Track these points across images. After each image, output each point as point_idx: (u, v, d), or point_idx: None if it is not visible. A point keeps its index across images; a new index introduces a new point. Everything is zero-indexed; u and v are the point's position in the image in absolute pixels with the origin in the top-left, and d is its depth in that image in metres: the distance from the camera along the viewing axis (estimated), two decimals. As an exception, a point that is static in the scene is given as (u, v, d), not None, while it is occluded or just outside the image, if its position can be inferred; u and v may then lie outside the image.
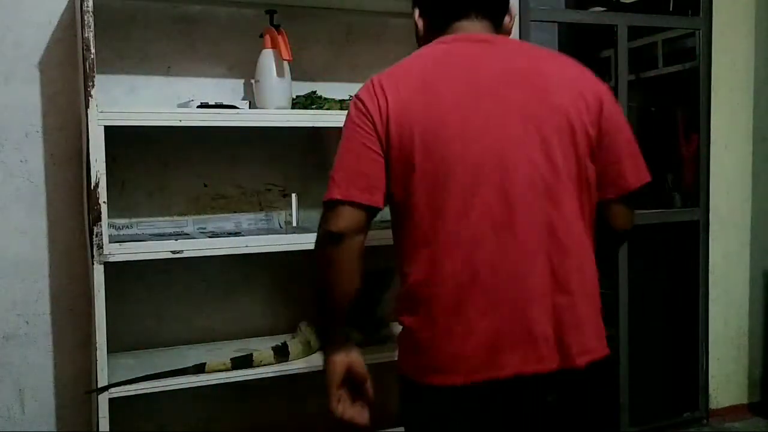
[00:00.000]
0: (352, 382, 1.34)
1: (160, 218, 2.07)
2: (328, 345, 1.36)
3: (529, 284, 1.20)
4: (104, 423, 1.72)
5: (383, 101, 1.25)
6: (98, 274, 1.70)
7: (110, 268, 1.72)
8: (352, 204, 1.24)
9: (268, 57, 1.99)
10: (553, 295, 1.21)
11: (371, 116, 1.25)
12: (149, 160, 2.06)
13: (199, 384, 1.84)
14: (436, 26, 1.38)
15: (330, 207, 1.27)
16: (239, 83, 2.16)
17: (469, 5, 1.34)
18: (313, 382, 2.18)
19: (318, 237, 1.30)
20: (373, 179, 1.25)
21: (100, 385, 1.71)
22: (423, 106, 1.24)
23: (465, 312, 1.20)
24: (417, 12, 1.43)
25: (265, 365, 1.91)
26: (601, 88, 1.31)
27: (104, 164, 1.69)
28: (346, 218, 1.25)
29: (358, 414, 1.33)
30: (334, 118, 1.99)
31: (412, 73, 1.31)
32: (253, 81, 2.02)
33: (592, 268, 1.27)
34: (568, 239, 1.23)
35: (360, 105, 1.28)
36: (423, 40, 1.42)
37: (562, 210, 1.22)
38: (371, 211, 1.26)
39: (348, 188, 1.25)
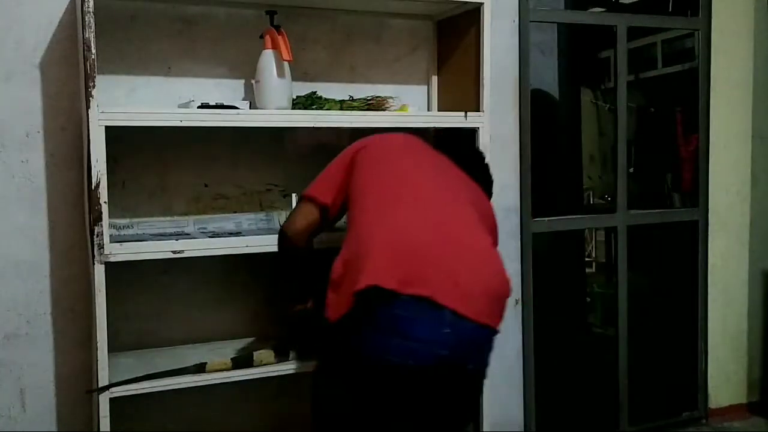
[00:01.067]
0: None
1: (161, 218, 2.07)
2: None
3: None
4: (105, 422, 1.72)
5: (365, 143, 1.75)
6: (99, 273, 1.71)
7: (111, 267, 1.73)
8: (311, 200, 1.72)
9: (268, 57, 1.99)
10: None
11: (353, 150, 1.74)
12: (150, 160, 2.07)
13: (200, 384, 1.85)
14: None
15: (298, 201, 1.77)
16: (240, 84, 2.16)
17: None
18: (311, 383, 2.20)
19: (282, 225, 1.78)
20: (331, 187, 1.71)
21: (100, 385, 1.72)
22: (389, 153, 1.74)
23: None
24: None
25: (265, 365, 1.92)
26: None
27: (105, 164, 1.70)
28: (303, 214, 1.73)
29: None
30: (334, 119, 2.00)
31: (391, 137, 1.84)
32: (253, 81, 2.03)
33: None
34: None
35: (352, 145, 1.76)
36: None
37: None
38: (323, 209, 1.71)
39: (312, 190, 1.74)
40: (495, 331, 1.53)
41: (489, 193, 1.91)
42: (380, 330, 1.44)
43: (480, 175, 1.87)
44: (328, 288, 1.55)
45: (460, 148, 1.92)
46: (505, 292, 1.56)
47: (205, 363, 1.85)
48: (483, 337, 1.50)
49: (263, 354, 1.93)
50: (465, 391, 1.54)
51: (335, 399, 1.54)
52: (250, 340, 2.16)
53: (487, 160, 1.99)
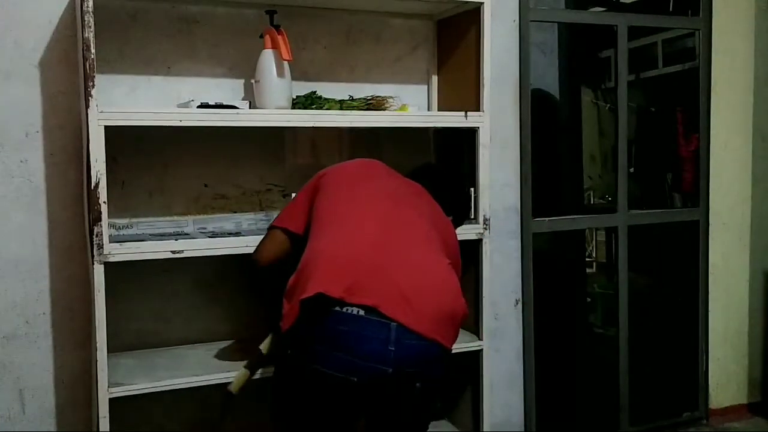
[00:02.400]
0: None
1: (161, 218, 2.07)
2: None
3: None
4: (104, 423, 1.72)
5: (326, 171, 1.77)
6: (98, 274, 1.71)
7: (110, 267, 1.73)
8: (282, 230, 1.73)
9: (268, 57, 1.99)
10: None
11: (316, 178, 1.76)
12: (149, 160, 2.06)
13: (200, 384, 1.84)
14: None
15: (267, 231, 1.77)
16: (239, 83, 2.16)
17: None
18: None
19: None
20: (299, 216, 1.72)
21: (99, 385, 1.71)
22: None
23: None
24: None
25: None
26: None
27: (104, 164, 1.69)
28: (275, 243, 1.74)
29: None
30: (334, 118, 1.99)
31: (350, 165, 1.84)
32: (253, 81, 2.02)
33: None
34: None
35: (316, 174, 1.78)
36: None
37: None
38: (295, 237, 1.71)
39: (282, 220, 1.76)
40: (445, 349, 1.52)
41: (458, 221, 1.94)
42: (326, 342, 1.44)
43: (453, 203, 1.90)
44: (284, 298, 1.56)
45: (435, 176, 1.92)
46: (458, 311, 1.55)
47: (229, 384, 1.77)
48: (432, 354, 1.48)
49: (265, 343, 1.82)
50: (412, 408, 1.52)
51: (289, 408, 1.54)
52: (251, 339, 2.16)
53: (466, 191, 2.07)
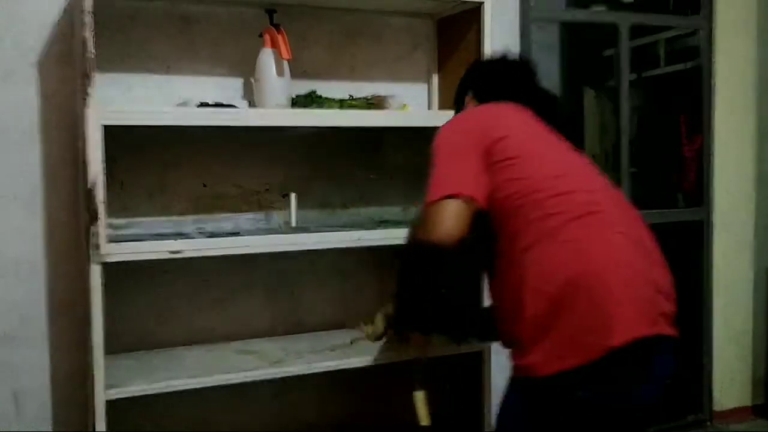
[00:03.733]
0: None
1: (160, 218, 2.06)
2: None
3: None
4: (101, 424, 1.70)
5: (504, 133, 1.43)
6: (95, 274, 1.69)
7: (109, 268, 1.71)
8: (461, 200, 1.33)
9: (267, 56, 1.98)
10: None
11: (487, 139, 1.41)
12: (148, 159, 2.05)
13: (199, 385, 1.83)
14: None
15: (431, 204, 1.35)
16: (239, 82, 2.14)
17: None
18: (310, 385, 2.18)
19: (411, 247, 1.42)
20: (479, 184, 1.36)
21: (96, 387, 1.70)
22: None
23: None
24: (470, 96, 1.65)
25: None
26: None
27: (102, 164, 1.68)
28: (458, 215, 1.32)
29: None
30: (334, 118, 1.98)
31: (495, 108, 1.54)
32: (252, 80, 2.01)
33: None
34: None
35: (477, 130, 1.44)
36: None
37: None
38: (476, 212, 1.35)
39: (460, 186, 1.34)
40: None
41: None
42: (634, 380, 1.34)
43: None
44: (522, 327, 1.32)
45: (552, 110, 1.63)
46: None
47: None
48: None
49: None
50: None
51: None
52: (249, 341, 2.15)
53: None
